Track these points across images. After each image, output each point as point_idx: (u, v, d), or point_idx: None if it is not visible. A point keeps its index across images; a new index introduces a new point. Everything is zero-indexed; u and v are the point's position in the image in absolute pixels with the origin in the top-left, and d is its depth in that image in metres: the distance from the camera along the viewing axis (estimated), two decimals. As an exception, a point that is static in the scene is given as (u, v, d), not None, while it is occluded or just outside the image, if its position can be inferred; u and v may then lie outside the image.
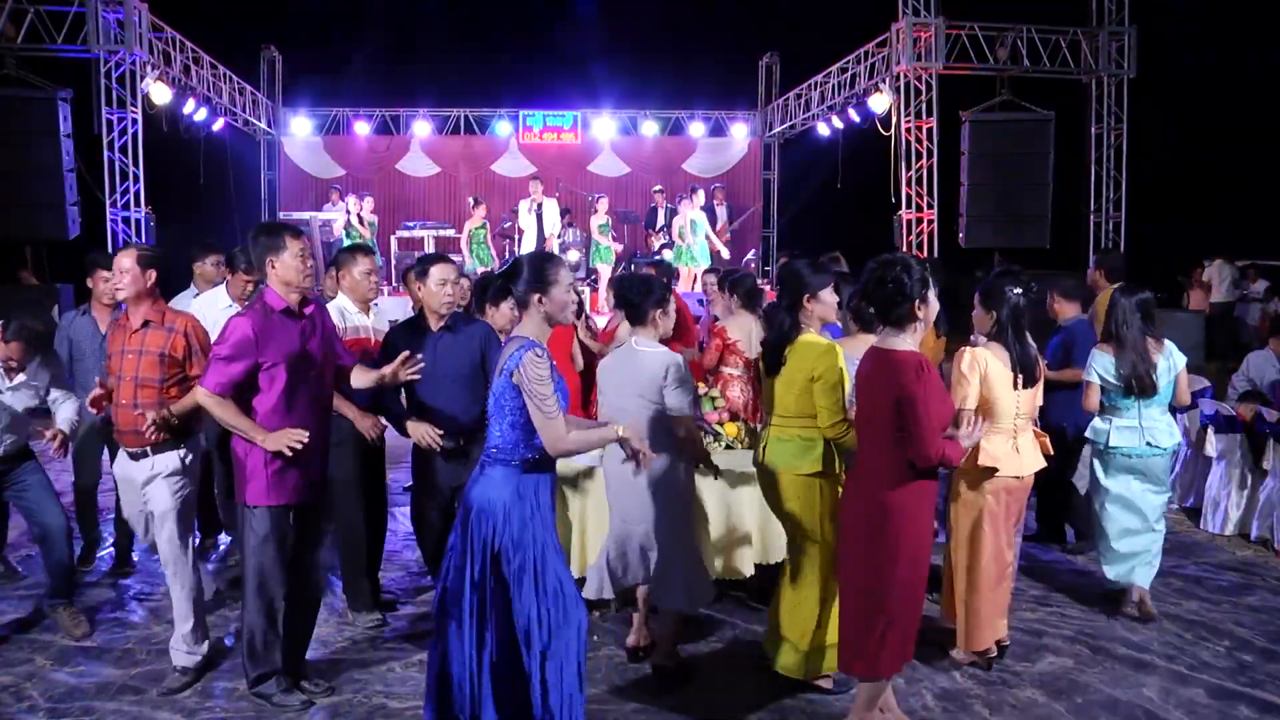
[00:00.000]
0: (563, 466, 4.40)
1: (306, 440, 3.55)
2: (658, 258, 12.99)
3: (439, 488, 4.24)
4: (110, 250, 10.83)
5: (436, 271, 4.25)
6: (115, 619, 4.68)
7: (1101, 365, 4.60)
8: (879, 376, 3.27)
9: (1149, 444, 4.60)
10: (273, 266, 3.63)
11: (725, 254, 13.30)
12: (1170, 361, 4.60)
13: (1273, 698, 3.92)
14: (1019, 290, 3.93)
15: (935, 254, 12.11)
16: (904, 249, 11.99)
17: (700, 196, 13.04)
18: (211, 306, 5.01)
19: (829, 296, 3.82)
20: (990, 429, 3.90)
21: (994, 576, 4.08)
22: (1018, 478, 4.04)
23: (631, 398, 3.81)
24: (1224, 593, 5.11)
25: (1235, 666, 4.21)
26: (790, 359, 3.74)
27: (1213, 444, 6.31)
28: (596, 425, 3.39)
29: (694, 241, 12.62)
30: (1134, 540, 4.69)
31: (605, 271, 12.91)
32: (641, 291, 3.91)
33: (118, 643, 4.39)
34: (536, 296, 3.09)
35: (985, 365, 3.92)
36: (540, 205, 12.73)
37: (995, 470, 3.97)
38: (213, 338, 4.78)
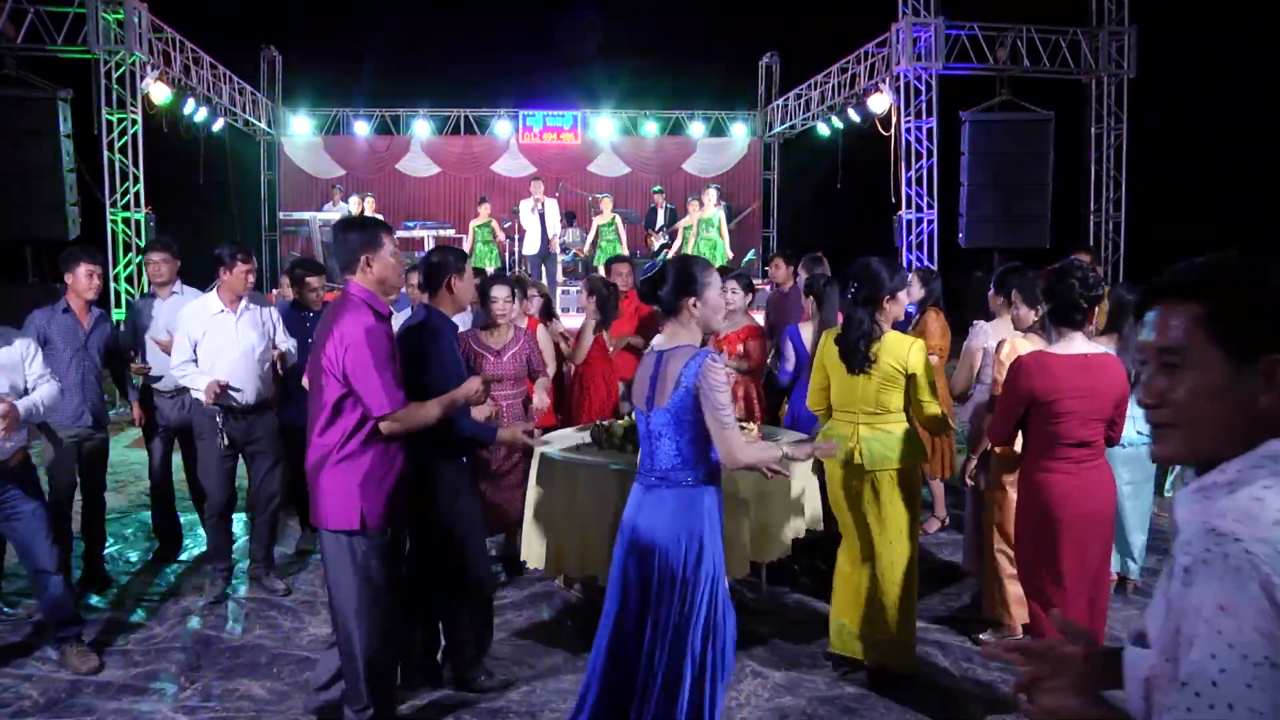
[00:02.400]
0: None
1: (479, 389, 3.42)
2: (658, 261, 12.99)
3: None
4: (106, 250, 10.84)
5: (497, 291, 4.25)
6: (115, 619, 4.68)
7: None
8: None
9: (1138, 433, 4.70)
10: (369, 266, 3.29)
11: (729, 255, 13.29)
12: None
13: (1272, 698, 3.91)
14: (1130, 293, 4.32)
15: (935, 254, 12.11)
16: (904, 249, 12.00)
17: (712, 194, 12.94)
18: (203, 311, 4.81)
19: (904, 297, 3.95)
20: None
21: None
22: None
23: None
24: (1224, 593, 5.10)
25: (1235, 666, 4.20)
26: (881, 356, 3.79)
27: (1213, 444, 6.31)
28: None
29: (710, 239, 12.51)
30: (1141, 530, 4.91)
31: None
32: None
33: (118, 643, 4.39)
34: (691, 301, 2.97)
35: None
36: (543, 205, 12.70)
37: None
38: (185, 342, 4.72)
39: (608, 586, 3.09)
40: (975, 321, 4.88)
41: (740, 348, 5.58)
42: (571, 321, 7.03)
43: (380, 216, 13.59)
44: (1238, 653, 1.11)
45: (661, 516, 2.92)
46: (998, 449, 4.17)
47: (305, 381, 4.62)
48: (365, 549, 3.26)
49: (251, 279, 4.90)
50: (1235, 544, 1.14)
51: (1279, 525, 1.15)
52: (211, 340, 4.77)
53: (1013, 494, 4.14)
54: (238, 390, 4.77)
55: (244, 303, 4.88)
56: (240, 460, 5.02)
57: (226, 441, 4.82)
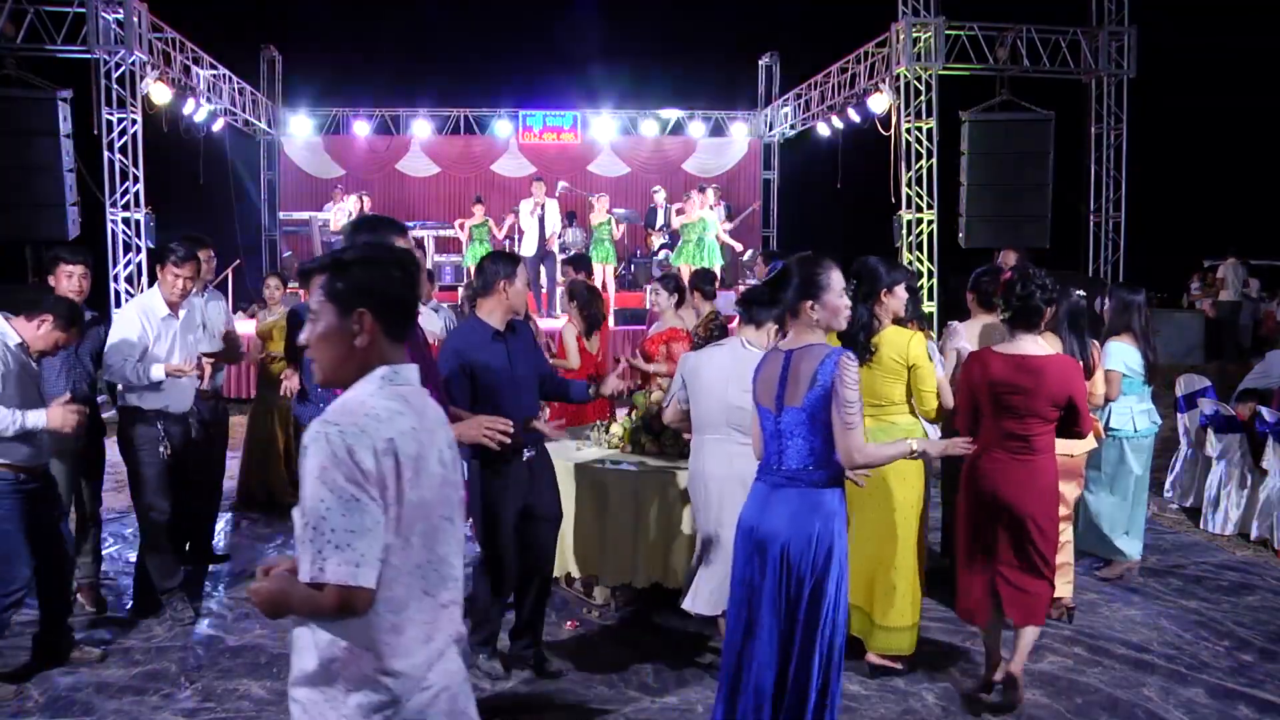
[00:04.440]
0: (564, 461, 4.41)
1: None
2: (659, 261, 13.01)
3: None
4: (106, 250, 10.84)
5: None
6: (114, 619, 4.67)
7: (1125, 356, 4.94)
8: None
9: (1154, 422, 5.15)
10: (504, 293, 3.78)
11: (738, 247, 13.44)
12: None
13: (1272, 698, 3.92)
14: (1081, 293, 4.48)
15: (935, 254, 12.11)
16: (904, 249, 12.00)
17: (710, 194, 12.99)
18: (151, 314, 4.58)
19: (902, 292, 4.04)
20: None
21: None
22: (1070, 455, 4.40)
23: (735, 393, 3.72)
24: (1224, 593, 5.11)
25: (1235, 666, 4.21)
26: (883, 348, 3.92)
27: (1213, 444, 6.31)
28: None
29: (705, 238, 12.55)
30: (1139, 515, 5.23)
31: (607, 270, 12.90)
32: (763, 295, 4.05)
33: (118, 643, 4.39)
34: (809, 304, 2.98)
35: None
36: (543, 207, 12.70)
37: None
38: (134, 342, 4.42)
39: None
40: (950, 323, 5.04)
41: (663, 349, 5.61)
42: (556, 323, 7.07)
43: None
44: (335, 496, 1.70)
45: (790, 516, 2.93)
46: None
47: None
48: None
49: (182, 284, 4.57)
50: (332, 427, 1.72)
51: (367, 415, 1.73)
52: (159, 345, 4.57)
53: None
54: (184, 393, 4.61)
55: (186, 304, 4.69)
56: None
57: (169, 450, 4.57)
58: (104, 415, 5.23)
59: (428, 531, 1.76)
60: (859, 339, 3.87)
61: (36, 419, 3.75)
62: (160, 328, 4.61)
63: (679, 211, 12.93)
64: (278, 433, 6.54)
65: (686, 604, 3.88)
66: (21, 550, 3.84)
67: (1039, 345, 3.71)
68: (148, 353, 4.53)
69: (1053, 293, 3.68)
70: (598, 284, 12.77)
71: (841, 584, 2.97)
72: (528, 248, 12.69)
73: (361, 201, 13.55)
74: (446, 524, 1.80)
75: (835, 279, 3.01)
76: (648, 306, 7.00)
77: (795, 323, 3.01)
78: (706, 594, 3.80)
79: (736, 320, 4.23)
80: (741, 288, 12.31)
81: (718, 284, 6.82)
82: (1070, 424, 3.67)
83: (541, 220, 12.59)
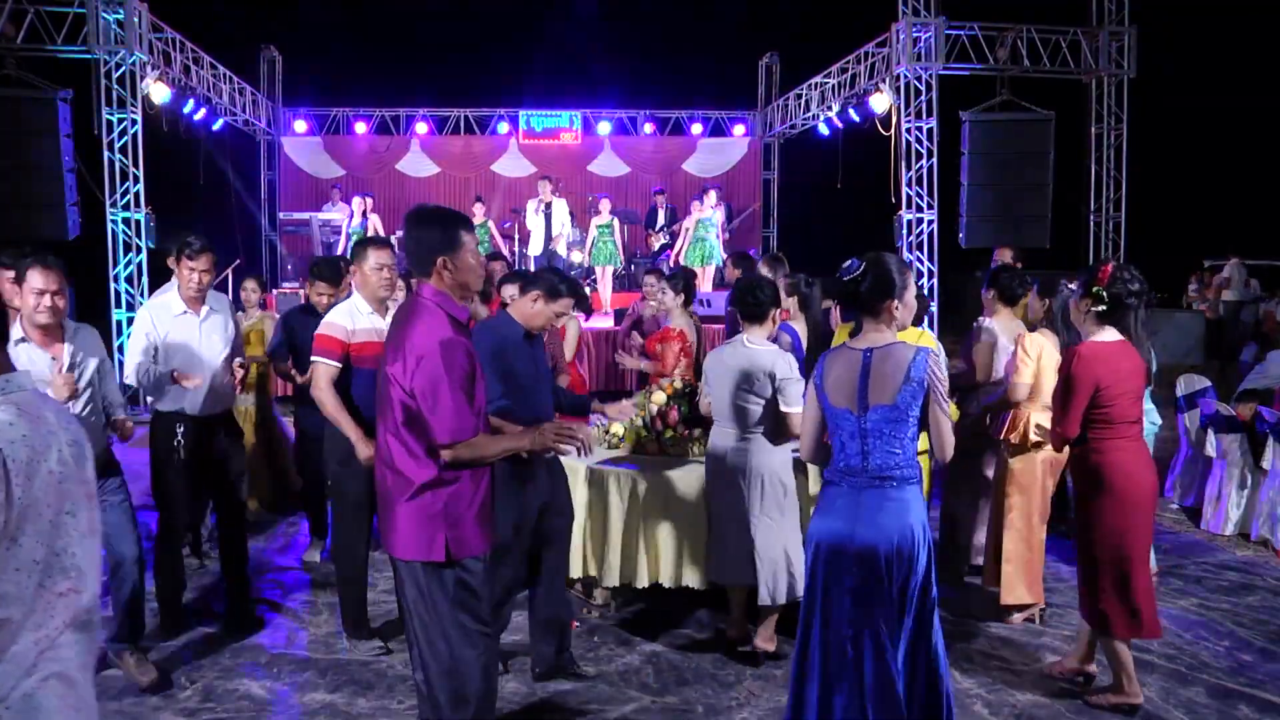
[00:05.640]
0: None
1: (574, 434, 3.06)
2: (663, 259, 13.02)
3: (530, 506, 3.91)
4: (106, 250, 10.83)
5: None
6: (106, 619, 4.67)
7: None
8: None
9: (1152, 423, 5.08)
10: (447, 268, 2.90)
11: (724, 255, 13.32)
12: None
13: (1272, 697, 3.92)
14: (1073, 285, 4.49)
15: (935, 254, 12.11)
16: (904, 249, 11.99)
17: (712, 197, 13.03)
18: (164, 312, 4.42)
19: (910, 297, 4.04)
20: (1039, 406, 4.43)
21: (1032, 539, 4.57)
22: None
23: (738, 391, 4.06)
24: (1224, 593, 5.11)
25: (1235, 666, 4.21)
26: None
27: (1213, 444, 6.31)
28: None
29: (705, 240, 12.62)
30: None
31: (608, 272, 12.91)
32: (767, 292, 4.17)
33: (118, 643, 4.38)
34: (894, 302, 3.01)
35: (1041, 349, 4.46)
36: (549, 206, 12.69)
37: (1042, 443, 4.35)
38: (144, 343, 4.23)
39: (813, 599, 3.01)
40: (982, 320, 5.12)
41: (658, 348, 5.56)
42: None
43: (378, 217, 13.72)
44: None
45: (886, 517, 2.92)
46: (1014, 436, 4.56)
47: (317, 395, 4.52)
48: (454, 580, 2.89)
49: (198, 279, 4.38)
50: None
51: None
52: (174, 344, 4.37)
53: (1024, 479, 4.52)
54: (206, 397, 4.40)
55: (208, 305, 4.47)
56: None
57: (184, 455, 4.39)
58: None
59: (43, 529, 1.79)
60: None
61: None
62: (173, 326, 4.38)
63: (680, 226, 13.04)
64: (251, 435, 6.29)
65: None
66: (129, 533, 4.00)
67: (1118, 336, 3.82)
68: (160, 352, 4.35)
69: (1143, 288, 3.79)
70: (598, 284, 12.81)
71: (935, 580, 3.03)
72: (534, 247, 12.69)
73: (365, 202, 13.53)
74: (68, 518, 1.84)
75: (910, 277, 3.12)
76: (645, 306, 6.91)
77: (873, 321, 3.04)
78: (714, 562, 4.26)
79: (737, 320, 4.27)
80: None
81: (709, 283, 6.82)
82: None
83: (548, 218, 12.57)
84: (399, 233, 14.45)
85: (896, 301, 3.00)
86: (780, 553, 4.09)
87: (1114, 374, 3.67)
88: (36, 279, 3.63)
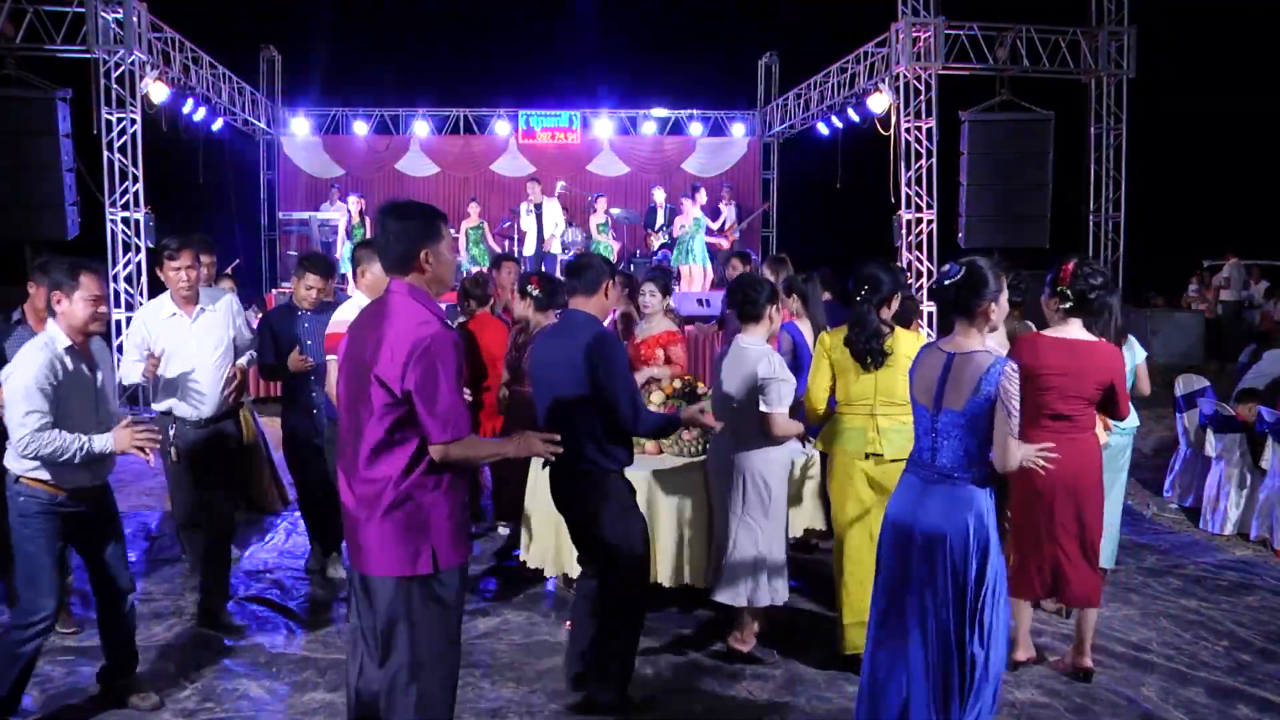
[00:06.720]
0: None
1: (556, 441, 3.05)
2: (659, 260, 13.03)
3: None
4: (106, 250, 10.82)
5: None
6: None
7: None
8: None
9: (1121, 429, 4.92)
10: (429, 260, 2.81)
11: (724, 244, 13.41)
12: (1132, 353, 4.81)
13: (1272, 697, 3.92)
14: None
15: (935, 254, 12.11)
16: (903, 249, 11.99)
17: (702, 196, 13.06)
18: (155, 315, 4.46)
19: (1004, 299, 4.12)
20: None
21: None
22: None
23: (729, 391, 4.10)
24: (1224, 592, 5.11)
25: (1234, 666, 4.21)
26: (899, 351, 4.00)
27: (1212, 444, 6.31)
28: None
29: (693, 241, 12.67)
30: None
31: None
32: (762, 291, 4.19)
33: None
34: (991, 305, 3.07)
35: None
36: (539, 206, 12.71)
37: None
38: (136, 347, 4.31)
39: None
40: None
41: (660, 353, 5.44)
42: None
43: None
44: None
45: (946, 511, 3.03)
46: None
47: (330, 392, 4.55)
48: (436, 592, 2.81)
49: (185, 277, 4.38)
50: None
51: None
52: (166, 347, 4.42)
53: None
54: (198, 398, 4.45)
55: (201, 305, 4.47)
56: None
57: (175, 456, 4.45)
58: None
59: None
60: (872, 345, 3.98)
61: (104, 444, 3.40)
62: (164, 328, 4.44)
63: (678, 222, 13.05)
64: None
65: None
66: (46, 579, 3.48)
67: (1085, 331, 3.88)
68: (153, 355, 4.38)
69: (1105, 281, 3.89)
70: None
71: (999, 583, 3.05)
72: (529, 248, 12.71)
73: (361, 202, 13.54)
74: None
75: (1004, 281, 3.15)
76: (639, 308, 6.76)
77: (966, 324, 3.09)
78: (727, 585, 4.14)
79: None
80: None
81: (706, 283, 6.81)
82: (1109, 406, 3.88)
83: (539, 218, 12.60)
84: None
85: (992, 304, 3.06)
86: (753, 556, 4.08)
87: (1040, 366, 3.78)
88: (93, 285, 3.47)
